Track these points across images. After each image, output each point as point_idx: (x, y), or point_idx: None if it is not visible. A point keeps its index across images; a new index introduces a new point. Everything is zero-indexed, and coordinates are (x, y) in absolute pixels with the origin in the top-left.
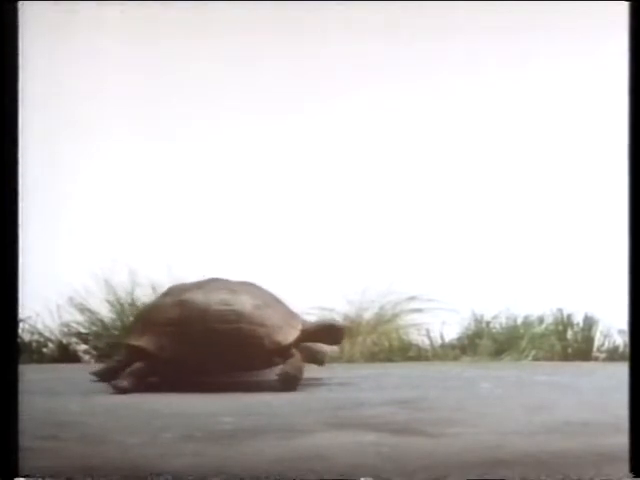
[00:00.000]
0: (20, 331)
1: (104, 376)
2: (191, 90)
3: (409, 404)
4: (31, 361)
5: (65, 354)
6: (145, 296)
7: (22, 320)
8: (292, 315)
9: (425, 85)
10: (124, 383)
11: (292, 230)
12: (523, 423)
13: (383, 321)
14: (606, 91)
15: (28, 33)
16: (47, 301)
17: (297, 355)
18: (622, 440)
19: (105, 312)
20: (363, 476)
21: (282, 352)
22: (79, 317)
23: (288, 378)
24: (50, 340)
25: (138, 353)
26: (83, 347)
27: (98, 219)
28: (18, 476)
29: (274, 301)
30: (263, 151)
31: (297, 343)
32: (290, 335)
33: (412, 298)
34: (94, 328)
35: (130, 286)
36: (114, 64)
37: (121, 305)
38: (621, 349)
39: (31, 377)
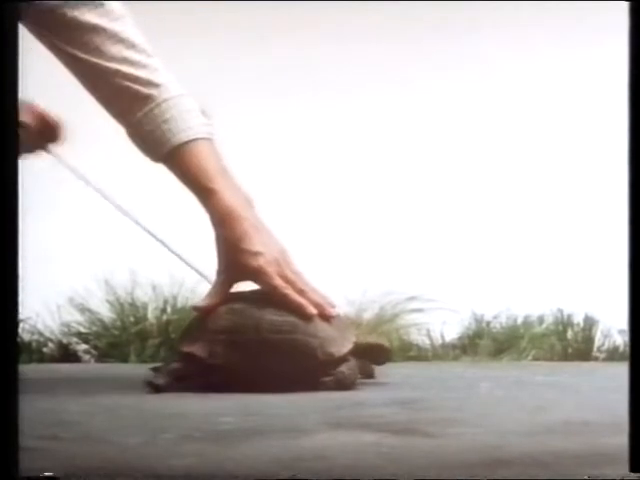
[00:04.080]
0: (20, 331)
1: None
2: (191, 90)
3: (409, 404)
4: (31, 361)
5: (65, 354)
6: (145, 296)
7: (22, 320)
8: (346, 327)
9: (425, 85)
10: (160, 381)
11: (292, 230)
12: (523, 423)
13: (383, 321)
14: (606, 91)
15: (28, 33)
16: (47, 301)
17: (352, 360)
18: (622, 440)
19: (105, 312)
20: (363, 476)
21: (335, 364)
22: (79, 317)
23: (344, 377)
24: (50, 340)
25: (190, 359)
26: (83, 347)
27: (98, 219)
28: (18, 476)
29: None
30: (262, 151)
31: (348, 356)
32: (344, 347)
33: (412, 298)
34: (94, 328)
35: (130, 286)
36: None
37: (121, 305)
38: (621, 349)
39: (31, 377)
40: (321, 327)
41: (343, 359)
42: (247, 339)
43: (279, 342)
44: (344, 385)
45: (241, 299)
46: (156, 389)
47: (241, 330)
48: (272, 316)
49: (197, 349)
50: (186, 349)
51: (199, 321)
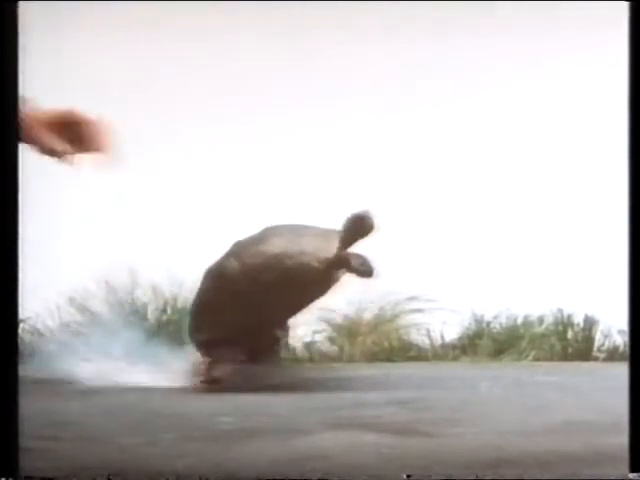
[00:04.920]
0: (20, 331)
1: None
2: (191, 91)
3: (409, 404)
4: (31, 361)
5: (65, 354)
6: (145, 296)
7: (22, 320)
8: (329, 231)
9: (424, 85)
10: (216, 373)
11: None
12: (523, 423)
13: (383, 321)
14: (606, 91)
15: (28, 33)
16: (47, 301)
17: (354, 254)
18: (622, 440)
19: (105, 312)
20: (363, 476)
21: (336, 263)
22: (79, 317)
23: (363, 263)
24: (50, 340)
25: (207, 345)
26: (83, 347)
27: (98, 219)
28: (18, 476)
29: (306, 228)
30: (262, 151)
31: (341, 250)
32: (331, 246)
33: (412, 298)
34: (94, 328)
35: (130, 286)
36: (115, 64)
37: (121, 305)
38: (621, 349)
39: (31, 377)
40: (302, 242)
41: (338, 256)
42: (251, 293)
43: (277, 276)
44: (368, 272)
45: (221, 264)
46: (200, 390)
47: (237, 290)
48: (254, 260)
49: (210, 333)
50: (200, 338)
51: (198, 307)
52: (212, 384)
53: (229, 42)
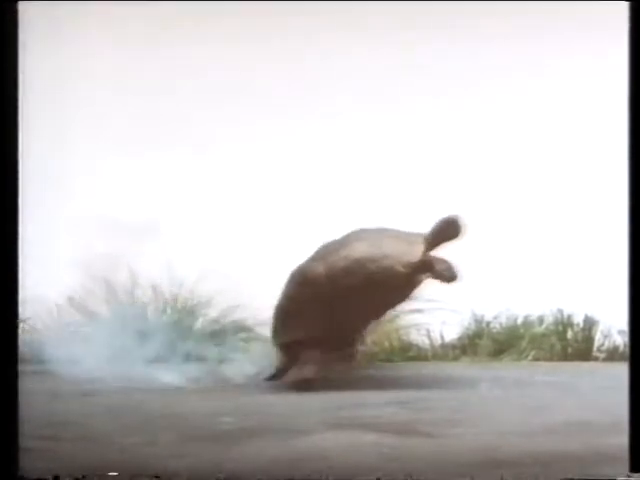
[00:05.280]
0: (20, 331)
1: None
2: (192, 91)
3: (409, 404)
4: (31, 361)
5: (65, 354)
6: (145, 296)
7: (22, 320)
8: (413, 235)
9: (424, 85)
10: (304, 373)
11: (292, 230)
12: (523, 423)
13: (383, 321)
14: (606, 91)
15: (28, 33)
16: (47, 301)
17: (438, 258)
18: (622, 440)
19: (105, 312)
20: (363, 476)
21: (420, 267)
22: (79, 317)
23: (448, 268)
24: (50, 340)
25: (294, 346)
26: (83, 347)
27: (98, 219)
28: (18, 476)
29: (390, 232)
30: (262, 151)
31: (426, 254)
32: (415, 250)
33: (412, 298)
34: (94, 328)
35: (130, 286)
36: (115, 64)
37: (121, 305)
38: (621, 349)
39: (31, 377)
40: (385, 246)
41: (423, 261)
42: (334, 297)
43: (361, 280)
44: (453, 277)
45: (306, 266)
46: (300, 388)
47: (324, 295)
48: (341, 263)
49: (293, 334)
50: (283, 340)
51: (281, 310)
52: (298, 384)
53: (229, 41)
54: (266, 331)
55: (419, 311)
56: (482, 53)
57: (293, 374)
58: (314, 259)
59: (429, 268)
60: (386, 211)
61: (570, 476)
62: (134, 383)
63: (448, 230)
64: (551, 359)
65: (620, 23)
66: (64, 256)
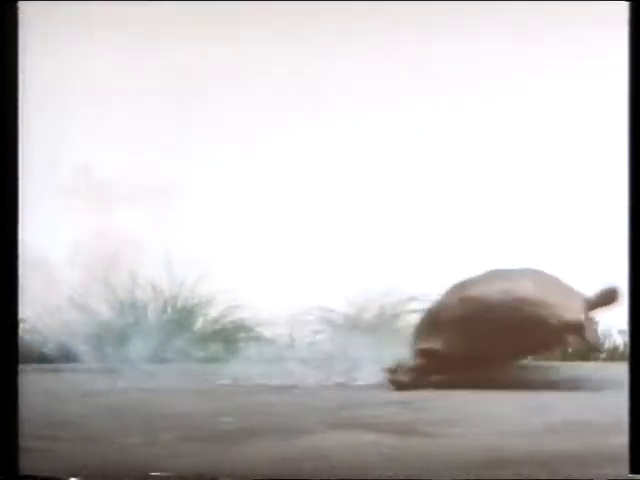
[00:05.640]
0: (20, 331)
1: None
2: (192, 91)
3: (409, 404)
4: (31, 361)
5: (65, 354)
6: (145, 296)
7: (22, 320)
8: (574, 292)
9: (424, 85)
10: (404, 378)
11: (292, 231)
12: (523, 423)
13: (383, 321)
14: (606, 91)
15: (28, 33)
16: (47, 301)
17: (590, 322)
18: (622, 440)
19: (105, 312)
20: (363, 476)
21: (571, 329)
22: (79, 317)
23: (595, 338)
24: (50, 340)
25: (428, 354)
26: (83, 347)
27: (98, 219)
28: (18, 476)
29: (556, 281)
30: (262, 151)
31: (584, 318)
32: (576, 311)
33: (412, 298)
34: (94, 328)
35: (130, 286)
36: (115, 64)
37: (121, 305)
38: (621, 349)
39: (31, 377)
40: (550, 296)
41: (577, 323)
42: (478, 323)
43: (510, 319)
44: (596, 347)
45: (467, 286)
46: (399, 386)
47: (471, 316)
48: (499, 295)
49: (433, 343)
50: (422, 346)
51: (431, 316)
52: (401, 384)
53: (229, 41)
54: (266, 331)
55: (419, 311)
56: (482, 53)
57: (405, 374)
58: (480, 281)
59: (579, 332)
60: (386, 212)
61: (570, 476)
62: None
63: (607, 298)
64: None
65: (620, 23)
66: (64, 256)
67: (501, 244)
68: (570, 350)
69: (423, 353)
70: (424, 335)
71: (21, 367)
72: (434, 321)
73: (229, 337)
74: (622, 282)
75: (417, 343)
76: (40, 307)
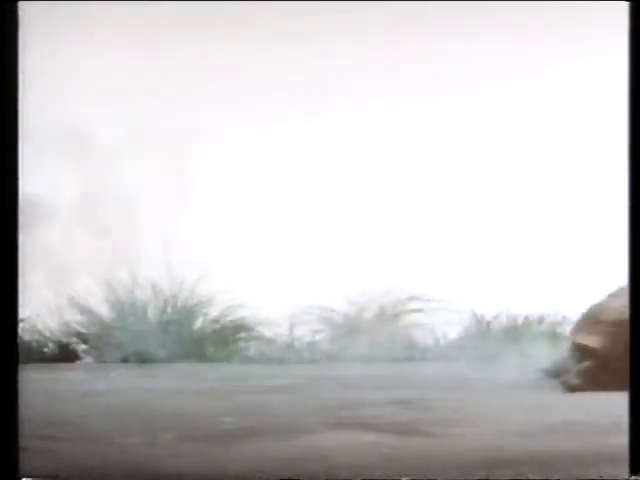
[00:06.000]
0: (20, 331)
1: (554, 373)
2: (192, 91)
3: (410, 404)
4: (31, 361)
5: (65, 354)
6: (145, 296)
7: (22, 320)
8: None
9: (424, 85)
10: (575, 381)
11: (293, 231)
12: (523, 423)
13: (383, 321)
14: (606, 91)
15: (28, 33)
16: (47, 301)
17: None
18: (622, 440)
19: (105, 312)
20: (363, 476)
21: None
22: (79, 317)
23: None
24: (50, 340)
25: (584, 350)
26: (83, 347)
27: (98, 219)
28: (18, 476)
29: None
30: (262, 151)
31: None
32: None
33: (412, 298)
34: (94, 328)
35: (130, 286)
36: (115, 64)
37: (121, 305)
38: None
39: (31, 377)
40: None
41: None
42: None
43: None
44: None
45: None
46: (572, 389)
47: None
48: None
49: (591, 341)
50: (580, 340)
51: (593, 313)
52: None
53: (228, 41)
54: (266, 330)
55: (419, 311)
56: (482, 53)
57: (575, 377)
58: None
59: None
60: (386, 212)
61: (570, 476)
62: None
63: None
64: None
65: (620, 23)
66: (64, 256)
67: (501, 244)
68: None
69: (579, 347)
70: (584, 330)
71: (21, 367)
72: (596, 318)
73: (229, 337)
74: (622, 282)
75: (575, 335)
76: (40, 307)
